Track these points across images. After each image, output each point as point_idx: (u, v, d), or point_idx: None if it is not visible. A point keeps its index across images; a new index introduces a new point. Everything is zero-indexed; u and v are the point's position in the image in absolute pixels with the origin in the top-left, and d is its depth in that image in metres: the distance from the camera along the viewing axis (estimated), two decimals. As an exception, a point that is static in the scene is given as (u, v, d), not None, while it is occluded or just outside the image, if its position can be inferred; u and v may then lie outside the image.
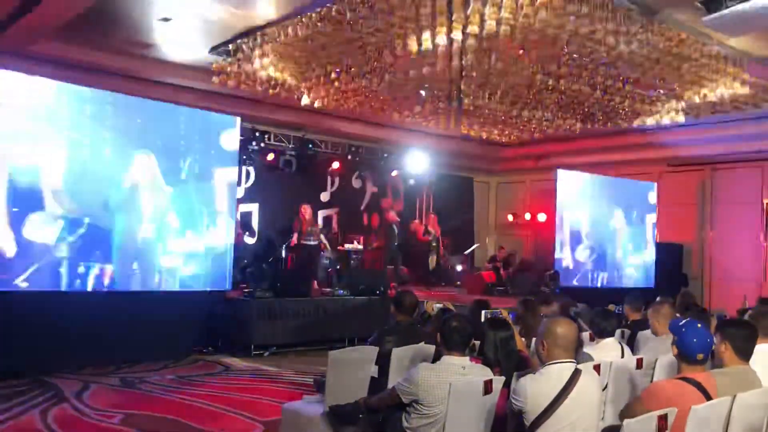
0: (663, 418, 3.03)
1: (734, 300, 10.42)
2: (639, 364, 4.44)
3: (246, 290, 9.53)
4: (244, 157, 11.78)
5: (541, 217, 15.42)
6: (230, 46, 8.79)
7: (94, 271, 7.80)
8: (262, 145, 12.28)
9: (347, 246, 13.21)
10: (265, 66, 8.94)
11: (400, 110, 11.17)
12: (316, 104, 10.55)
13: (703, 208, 13.79)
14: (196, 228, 8.61)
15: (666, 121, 10.83)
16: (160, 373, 7.63)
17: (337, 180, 14.42)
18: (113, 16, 7.89)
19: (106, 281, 7.88)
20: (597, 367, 3.90)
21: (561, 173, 12.65)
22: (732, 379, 3.42)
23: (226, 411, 6.14)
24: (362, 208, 14.88)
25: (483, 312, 5.09)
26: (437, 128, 12.68)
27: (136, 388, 6.97)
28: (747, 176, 13.09)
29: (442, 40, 7.61)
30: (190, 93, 10.53)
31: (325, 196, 14.11)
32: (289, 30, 7.88)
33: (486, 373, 3.74)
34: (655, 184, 14.10)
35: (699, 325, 3.40)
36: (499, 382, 3.70)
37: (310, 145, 12.96)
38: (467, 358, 3.76)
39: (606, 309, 5.20)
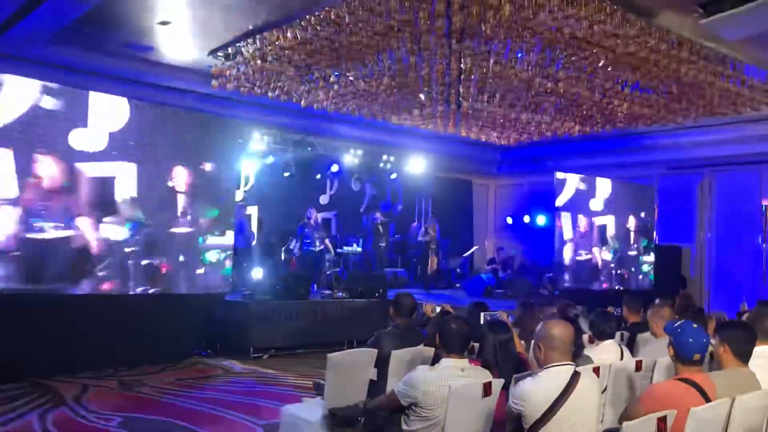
0: (662, 420, 3.03)
1: (733, 302, 10.43)
2: (638, 366, 4.44)
3: (245, 293, 9.53)
4: (243, 159, 11.80)
5: (540, 220, 15.43)
6: (229, 49, 8.79)
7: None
8: (262, 147, 12.30)
9: (346, 248, 13.22)
10: (264, 69, 8.95)
11: (399, 113, 11.17)
12: (315, 107, 10.55)
13: (702, 210, 13.81)
14: (197, 230, 8.60)
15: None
16: (159, 376, 7.62)
17: (336, 183, 14.43)
18: (112, 20, 7.89)
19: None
20: (596, 370, 3.90)
21: (559, 176, 12.65)
22: (731, 382, 3.42)
23: (225, 414, 6.14)
24: (361, 210, 14.88)
25: (482, 314, 5.08)
26: (436, 131, 12.68)
27: (135, 391, 6.96)
28: (745, 179, 13.11)
29: (440, 42, 7.62)
30: (189, 96, 10.53)
31: (324, 199, 14.11)
32: (288, 33, 7.88)
33: (485, 375, 3.74)
34: (654, 187, 14.12)
35: (695, 326, 3.41)
36: (498, 384, 3.70)
37: (310, 148, 12.98)
38: (466, 360, 3.75)
39: (605, 311, 5.20)
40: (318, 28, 7.57)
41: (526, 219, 16.15)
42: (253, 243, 12.11)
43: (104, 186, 7.92)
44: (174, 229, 8.43)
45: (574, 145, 14.02)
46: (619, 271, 13.21)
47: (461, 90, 9.44)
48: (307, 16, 7.47)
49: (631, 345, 5.45)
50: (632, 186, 13.98)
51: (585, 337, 5.09)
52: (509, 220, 16.89)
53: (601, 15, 6.86)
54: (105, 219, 7.90)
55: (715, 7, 6.49)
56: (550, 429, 3.15)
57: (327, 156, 13.47)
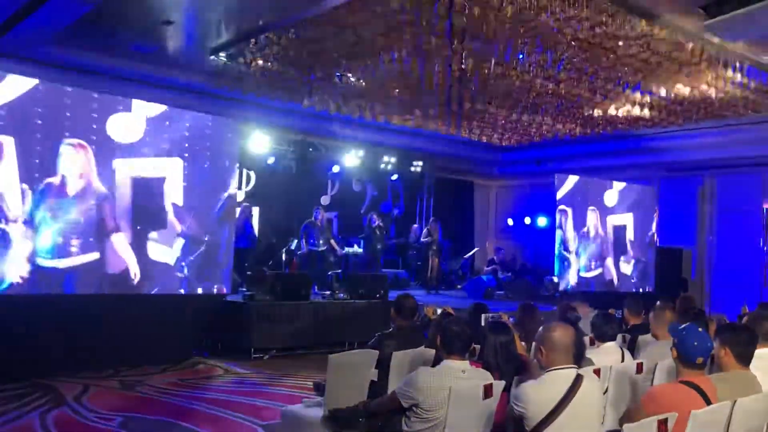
0: (663, 423, 3.03)
1: (734, 305, 10.41)
2: (639, 368, 4.44)
3: (246, 293, 9.53)
4: (245, 159, 11.82)
5: (541, 221, 15.44)
6: (232, 50, 8.80)
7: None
8: (263, 148, 12.31)
9: (347, 249, 13.23)
10: (267, 69, 8.96)
11: (400, 114, 11.18)
12: (317, 107, 10.57)
13: (703, 212, 13.80)
14: (198, 230, 8.58)
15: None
16: (159, 376, 7.61)
17: (337, 183, 14.43)
18: (115, 19, 7.90)
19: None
20: (597, 372, 3.90)
21: (560, 177, 12.64)
22: (732, 384, 3.42)
23: (225, 414, 6.13)
24: (362, 211, 14.89)
25: (483, 316, 5.08)
26: (437, 132, 12.70)
27: (135, 391, 6.95)
28: (747, 181, 13.11)
29: (442, 43, 7.63)
30: (192, 95, 10.55)
31: (325, 200, 14.12)
32: (291, 33, 7.89)
33: (486, 377, 3.74)
34: (655, 189, 14.11)
35: (700, 329, 3.41)
36: (499, 386, 3.70)
37: (311, 149, 12.99)
38: (467, 362, 3.75)
39: (607, 313, 5.20)
40: (320, 28, 7.59)
41: (527, 220, 16.15)
42: (254, 243, 12.11)
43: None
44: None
45: (575, 147, 14.02)
46: (619, 273, 13.17)
47: (462, 91, 9.45)
48: (310, 17, 7.48)
49: (632, 347, 5.45)
50: (633, 188, 13.95)
51: (586, 339, 5.08)
52: (510, 222, 16.89)
53: (602, 17, 6.87)
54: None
55: (716, 9, 6.49)
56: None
57: (328, 157, 13.47)
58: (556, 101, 9.95)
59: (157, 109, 8.17)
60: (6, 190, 6.93)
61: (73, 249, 7.39)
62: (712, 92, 9.15)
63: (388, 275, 11.95)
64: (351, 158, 13.61)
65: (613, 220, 13.12)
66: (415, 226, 15.29)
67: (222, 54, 8.94)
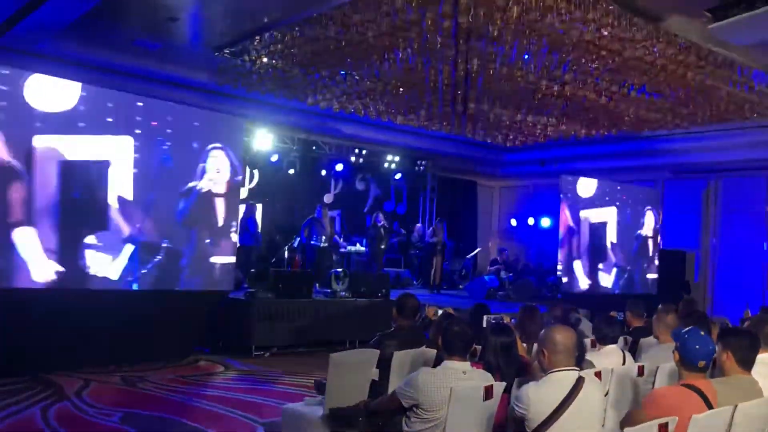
0: (664, 427, 3.02)
1: (736, 308, 10.40)
2: (640, 371, 4.43)
3: (248, 291, 9.53)
4: (249, 157, 11.83)
5: (545, 222, 15.42)
6: (237, 47, 8.81)
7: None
8: (267, 146, 12.32)
9: (350, 248, 13.24)
10: (271, 67, 8.96)
11: (404, 113, 11.18)
12: (321, 106, 10.56)
13: (707, 215, 13.78)
14: (200, 228, 8.60)
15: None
16: (160, 372, 7.63)
17: (340, 182, 14.44)
18: (120, 16, 7.91)
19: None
20: (598, 374, 3.89)
21: (564, 178, 12.62)
22: (733, 389, 3.41)
23: (226, 412, 6.14)
24: (365, 210, 14.89)
25: (485, 317, 5.07)
26: (441, 131, 12.69)
27: (136, 387, 6.97)
28: (751, 184, 13.08)
29: (447, 43, 7.62)
30: (196, 93, 10.55)
31: (328, 198, 14.13)
32: (296, 32, 7.90)
33: (487, 378, 3.74)
34: (659, 191, 14.09)
35: (702, 333, 3.41)
36: (499, 387, 3.70)
37: (314, 147, 13.00)
38: (468, 363, 3.75)
39: (609, 315, 5.19)
40: (325, 27, 7.58)
41: (531, 221, 16.13)
42: (257, 241, 12.13)
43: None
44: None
45: (580, 148, 14.00)
46: (621, 275, 13.06)
47: (467, 91, 9.44)
48: (314, 15, 7.48)
49: (634, 350, 5.44)
50: (637, 190, 13.92)
51: (588, 341, 5.08)
52: (513, 222, 16.87)
53: (608, 18, 6.86)
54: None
55: (723, 12, 6.47)
56: (553, 433, 3.15)
57: (332, 155, 13.48)
58: (562, 102, 9.93)
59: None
60: None
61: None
62: (717, 95, 9.13)
63: (390, 274, 11.96)
64: (354, 157, 13.62)
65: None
66: (418, 225, 15.29)
67: (226, 51, 8.94)
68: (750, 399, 3.38)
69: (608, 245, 12.56)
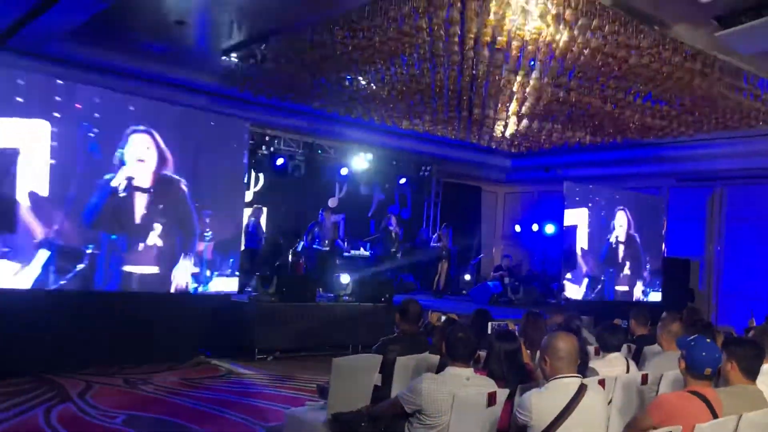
0: (667, 436, 3.02)
1: (741, 317, 10.35)
2: (644, 379, 4.42)
3: (251, 294, 9.54)
4: (254, 161, 11.85)
5: (549, 228, 15.39)
6: (243, 51, 8.83)
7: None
8: (272, 149, 12.35)
9: (354, 252, 13.24)
10: (278, 71, 8.98)
11: (409, 118, 11.18)
12: (327, 110, 10.58)
13: (712, 223, 13.74)
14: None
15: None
16: (163, 374, 7.63)
17: (345, 186, 14.45)
18: (128, 19, 7.94)
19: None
20: (602, 382, 3.88)
21: (569, 185, 12.61)
22: (738, 398, 3.40)
23: (228, 415, 6.14)
24: (369, 215, 14.90)
25: (490, 324, 5.06)
26: (446, 137, 12.69)
27: (139, 389, 6.97)
28: (756, 192, 13.04)
29: (453, 49, 7.63)
30: (202, 96, 10.58)
31: (333, 202, 14.13)
32: (303, 35, 7.91)
33: (490, 384, 3.73)
34: (664, 198, 14.06)
35: (708, 341, 3.41)
36: (502, 394, 3.69)
37: (320, 151, 13.02)
38: (471, 369, 3.75)
39: (612, 323, 5.18)
40: (332, 32, 7.60)
41: (535, 227, 16.11)
42: (261, 244, 12.14)
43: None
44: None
45: (585, 155, 13.98)
46: (625, 283, 13.04)
47: (473, 97, 9.44)
48: (322, 20, 7.50)
49: (638, 357, 5.42)
50: (643, 197, 13.89)
51: (591, 349, 5.06)
52: (517, 228, 16.85)
53: (614, 26, 6.85)
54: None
55: (730, 20, 6.46)
56: (556, 441, 3.14)
57: (337, 159, 13.50)
58: (567, 109, 9.93)
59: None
60: None
61: None
62: (724, 103, 9.11)
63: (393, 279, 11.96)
64: (359, 161, 13.63)
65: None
66: (423, 230, 15.30)
67: (234, 55, 8.97)
68: (755, 409, 3.37)
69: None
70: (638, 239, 13.14)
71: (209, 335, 8.92)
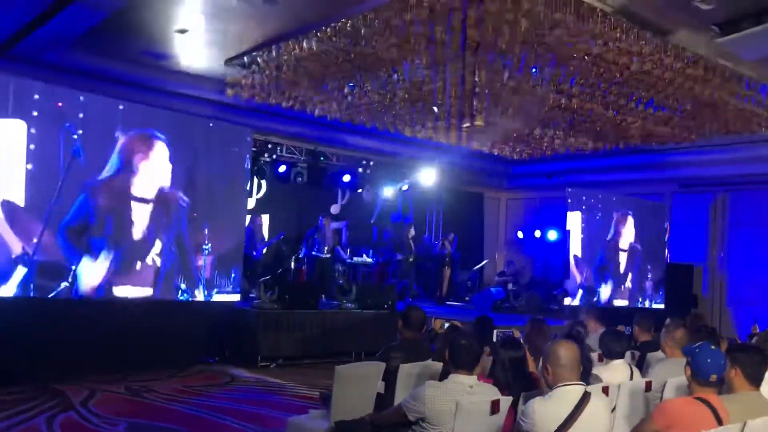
0: (672, 443, 3.00)
1: (744, 323, 10.33)
2: (648, 386, 4.40)
3: (254, 301, 9.54)
4: (256, 168, 11.86)
5: (552, 235, 15.37)
6: (245, 59, 8.85)
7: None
8: (274, 157, 12.38)
9: (356, 259, 13.23)
10: (280, 78, 9.00)
11: (412, 125, 11.19)
12: (329, 117, 10.59)
13: (715, 229, 13.72)
14: (206, 238, 8.62)
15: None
16: (165, 382, 7.62)
17: (347, 193, 14.45)
18: (130, 27, 7.97)
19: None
20: (605, 389, 3.87)
21: (571, 191, 12.59)
22: (742, 405, 3.39)
23: (231, 422, 6.13)
24: (372, 221, 14.90)
25: (495, 331, 5.04)
26: (449, 143, 12.70)
27: (141, 397, 6.96)
28: (759, 197, 13.02)
29: (455, 56, 7.64)
30: (204, 104, 10.60)
31: (335, 209, 14.13)
32: (304, 44, 7.94)
33: (493, 392, 3.72)
34: (667, 204, 14.05)
35: (713, 347, 3.40)
36: (506, 402, 3.68)
37: (322, 158, 13.04)
38: (475, 376, 3.73)
39: (615, 330, 5.17)
40: (333, 39, 7.62)
41: (537, 233, 16.09)
42: (264, 251, 12.15)
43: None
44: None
45: (587, 161, 13.97)
46: (629, 289, 13.03)
47: (475, 103, 9.45)
48: (323, 27, 7.52)
49: (642, 364, 5.40)
50: (645, 203, 13.88)
51: (594, 355, 5.05)
52: (520, 235, 16.83)
53: (616, 32, 6.87)
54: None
55: (731, 26, 6.47)
56: (559, 449, 3.13)
57: (339, 166, 13.51)
58: (569, 115, 9.94)
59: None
60: None
61: None
62: (725, 109, 9.11)
63: (396, 286, 11.94)
64: (361, 168, 13.64)
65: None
66: (425, 236, 15.28)
67: (236, 62, 8.99)
68: (759, 416, 3.35)
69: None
70: (640, 247, 13.11)
71: (212, 342, 8.92)
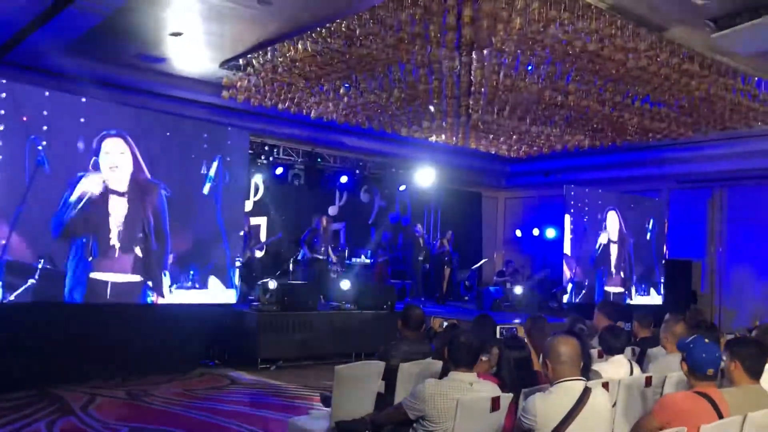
0: (673, 437, 3.00)
1: (743, 318, 10.34)
2: (648, 381, 4.40)
3: (253, 303, 9.52)
4: (253, 170, 11.86)
5: (550, 233, 15.38)
6: (241, 61, 8.85)
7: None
8: (271, 158, 12.37)
9: (354, 260, 13.23)
10: (275, 80, 9.00)
11: (408, 125, 11.20)
12: (325, 118, 10.59)
13: (713, 224, 13.73)
14: (204, 241, 8.60)
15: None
16: (166, 386, 7.61)
17: (345, 194, 14.45)
18: (125, 31, 7.96)
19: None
20: (605, 385, 3.87)
21: (569, 189, 12.59)
22: (742, 398, 3.39)
23: (232, 425, 6.11)
24: (370, 222, 14.90)
25: (498, 328, 5.03)
26: (445, 143, 12.71)
27: (142, 401, 6.95)
28: (757, 192, 13.04)
29: (451, 55, 7.65)
30: (200, 107, 10.60)
31: (333, 210, 14.14)
32: (300, 45, 7.94)
33: (493, 389, 3.71)
34: (665, 201, 14.07)
35: (706, 341, 3.40)
36: (506, 399, 3.67)
37: (319, 159, 13.04)
38: (475, 374, 3.73)
39: (615, 326, 5.17)
40: (329, 40, 7.62)
41: (536, 232, 16.10)
42: (262, 253, 12.14)
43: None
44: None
45: (584, 159, 14.00)
46: (627, 286, 13.05)
47: (471, 102, 9.46)
48: (318, 29, 7.52)
49: (641, 360, 5.41)
50: (643, 200, 13.89)
51: (594, 352, 5.05)
52: (518, 233, 16.84)
53: (611, 29, 6.88)
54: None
55: (727, 21, 6.49)
56: (561, 444, 3.13)
57: (336, 167, 13.51)
58: (565, 113, 9.95)
59: None
60: None
61: None
62: (721, 104, 9.13)
63: (395, 286, 11.93)
64: (359, 169, 13.64)
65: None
66: (424, 237, 15.27)
67: (231, 65, 8.99)
68: (759, 408, 3.35)
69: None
70: (632, 241, 13.16)
71: (212, 345, 8.91)
